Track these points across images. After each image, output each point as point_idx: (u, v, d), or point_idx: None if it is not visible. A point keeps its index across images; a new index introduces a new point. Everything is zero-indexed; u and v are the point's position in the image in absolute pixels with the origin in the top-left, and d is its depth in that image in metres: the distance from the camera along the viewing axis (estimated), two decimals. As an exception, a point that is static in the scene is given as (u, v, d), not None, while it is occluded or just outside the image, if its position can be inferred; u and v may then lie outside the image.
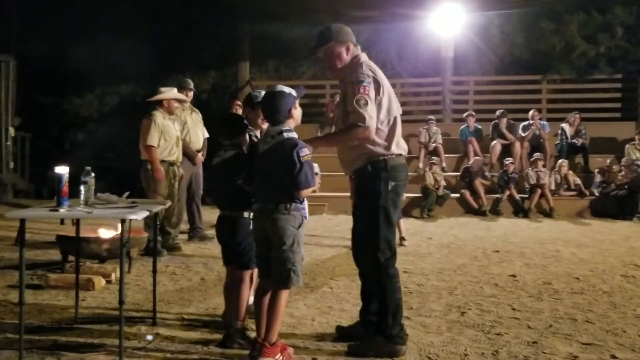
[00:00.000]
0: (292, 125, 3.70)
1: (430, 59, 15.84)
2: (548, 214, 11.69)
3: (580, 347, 4.03)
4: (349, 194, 9.10)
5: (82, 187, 3.95)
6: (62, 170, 3.78)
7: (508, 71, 16.46)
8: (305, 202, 3.76)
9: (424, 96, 16.40)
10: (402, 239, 7.87)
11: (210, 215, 8.61)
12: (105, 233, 6.37)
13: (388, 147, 3.85)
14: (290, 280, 3.58)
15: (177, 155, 7.30)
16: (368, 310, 4.09)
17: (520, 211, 11.80)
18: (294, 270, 3.57)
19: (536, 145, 13.09)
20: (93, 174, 4.01)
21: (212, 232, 7.89)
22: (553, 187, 12.05)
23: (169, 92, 7.31)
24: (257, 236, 3.72)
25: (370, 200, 3.88)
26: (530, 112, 13.34)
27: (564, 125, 13.26)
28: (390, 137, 3.86)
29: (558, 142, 13.25)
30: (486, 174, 12.41)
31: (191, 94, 8.11)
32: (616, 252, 7.85)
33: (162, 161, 7.07)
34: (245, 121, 4.12)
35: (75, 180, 3.85)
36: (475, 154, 12.94)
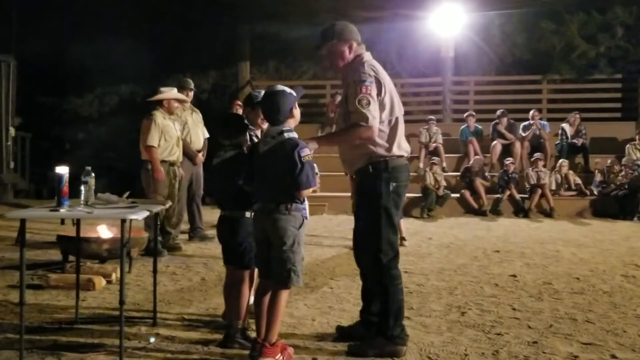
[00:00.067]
0: (293, 125, 3.70)
1: (431, 59, 15.85)
2: (548, 214, 11.69)
3: (581, 347, 4.03)
4: (349, 194, 9.10)
5: (82, 187, 3.95)
6: (63, 170, 3.78)
7: (508, 71, 16.47)
8: (306, 203, 3.75)
9: (424, 96, 16.41)
10: (402, 239, 7.86)
11: (210, 215, 8.62)
12: (105, 231, 6.38)
13: (389, 148, 3.83)
14: (291, 281, 3.58)
15: (177, 155, 7.30)
16: (369, 310, 4.09)
17: (520, 211, 11.80)
18: (294, 270, 3.57)
19: (536, 145, 13.09)
20: (93, 174, 4.01)
21: (212, 232, 7.91)
22: (554, 187, 12.06)
23: (169, 92, 7.31)
24: (257, 236, 3.72)
25: (372, 201, 3.86)
26: (531, 112, 13.34)
27: (565, 125, 13.26)
28: (391, 138, 3.84)
29: (558, 142, 13.25)
30: (486, 174, 12.40)
31: (191, 94, 8.11)
32: (616, 252, 7.85)
33: (163, 161, 7.07)
34: (246, 121, 4.12)
35: (75, 180, 3.85)
36: (476, 154, 12.94)
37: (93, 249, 6.14)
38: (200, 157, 7.97)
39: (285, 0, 14.44)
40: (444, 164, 13.06)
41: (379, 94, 3.78)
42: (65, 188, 3.75)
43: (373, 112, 3.72)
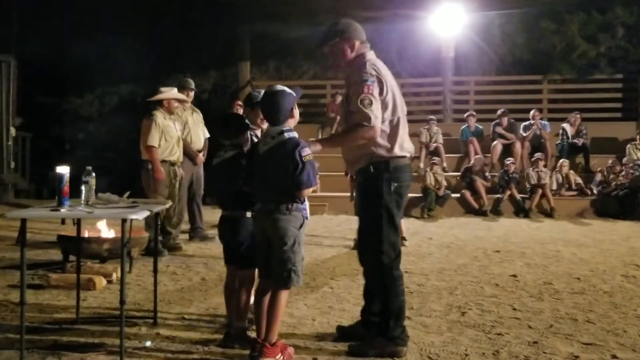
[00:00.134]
0: (292, 124, 3.70)
1: (431, 59, 15.85)
2: (549, 214, 11.68)
3: (581, 347, 4.03)
4: (349, 194, 9.06)
5: (83, 187, 3.95)
6: (63, 170, 3.78)
7: (509, 71, 16.47)
8: (307, 203, 3.75)
9: (425, 96, 16.40)
10: (402, 239, 7.85)
11: (211, 215, 8.61)
12: (105, 229, 6.39)
13: (391, 148, 3.82)
14: (291, 281, 3.57)
15: (177, 155, 7.30)
16: (370, 310, 4.09)
17: (521, 211, 11.80)
18: (294, 270, 3.57)
19: (537, 145, 13.09)
20: (94, 174, 4.01)
21: (212, 232, 7.93)
22: (555, 187, 12.06)
23: (169, 92, 7.31)
24: (257, 236, 3.72)
25: (373, 201, 3.86)
26: (531, 112, 13.34)
27: (565, 125, 13.26)
28: (393, 138, 3.82)
29: (559, 142, 13.25)
30: (487, 174, 12.40)
31: (192, 94, 8.11)
32: (617, 252, 7.84)
33: (163, 161, 7.07)
34: (247, 121, 4.11)
35: (76, 180, 3.85)
36: (476, 154, 12.93)
37: (93, 249, 6.15)
38: (201, 157, 7.97)
39: (285, 0, 14.44)
40: (445, 164, 13.05)
41: (380, 93, 3.76)
42: (66, 188, 3.75)
43: (375, 112, 3.71)
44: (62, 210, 3.73)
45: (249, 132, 4.01)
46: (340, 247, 8.03)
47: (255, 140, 3.96)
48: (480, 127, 13.80)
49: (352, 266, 6.68)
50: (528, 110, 13.62)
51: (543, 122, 13.50)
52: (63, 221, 7.26)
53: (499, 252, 7.70)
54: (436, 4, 14.29)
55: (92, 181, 3.98)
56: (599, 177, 12.22)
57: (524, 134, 13.12)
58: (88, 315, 4.61)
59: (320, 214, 11.46)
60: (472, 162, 12.55)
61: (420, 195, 11.71)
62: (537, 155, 12.39)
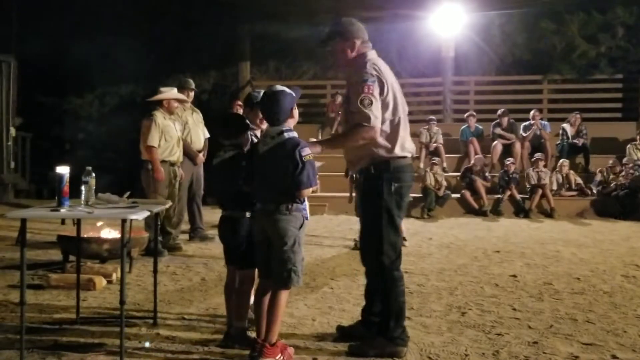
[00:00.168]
0: (292, 124, 3.70)
1: (431, 59, 15.84)
2: (549, 214, 11.68)
3: (581, 347, 4.03)
4: (348, 195, 9.04)
5: (82, 187, 3.95)
6: (63, 170, 3.78)
7: (509, 71, 16.46)
8: (307, 203, 3.75)
9: (425, 96, 16.40)
10: (403, 239, 7.85)
11: (211, 215, 8.61)
12: (106, 230, 6.39)
13: (392, 148, 3.81)
14: (291, 281, 3.57)
15: (177, 155, 7.30)
16: (370, 310, 4.08)
17: (521, 211, 11.80)
18: (294, 270, 3.57)
19: (537, 145, 13.09)
20: (94, 174, 4.01)
21: (212, 232, 7.93)
22: (555, 187, 12.06)
23: (169, 92, 7.31)
24: (257, 236, 3.71)
25: (373, 202, 3.85)
26: (531, 112, 13.34)
27: (565, 126, 13.26)
28: (394, 138, 3.81)
29: (559, 142, 13.25)
30: (487, 174, 12.40)
31: (192, 94, 8.11)
32: (617, 252, 7.84)
33: (163, 161, 7.07)
34: (247, 121, 4.11)
35: (76, 180, 3.85)
36: (476, 154, 12.93)
37: (93, 249, 6.15)
38: (201, 157, 7.97)
39: (285, 0, 14.43)
40: (445, 164, 13.05)
41: (381, 93, 3.75)
42: (66, 188, 3.76)
43: (375, 112, 3.70)
44: (62, 210, 3.73)
45: (249, 132, 4.01)
46: (340, 247, 8.03)
47: (255, 140, 3.96)
48: (481, 127, 13.80)
49: (352, 266, 6.68)
50: (528, 111, 13.62)
51: (543, 122, 13.50)
52: (63, 221, 7.26)
53: (499, 253, 7.70)
54: (436, 4, 14.29)
55: (92, 181, 3.98)
56: (598, 177, 12.23)
57: (524, 134, 13.12)
58: (88, 315, 4.61)
59: (320, 214, 11.46)
60: (472, 162, 12.55)
61: (420, 195, 11.71)
62: (537, 155, 12.39)
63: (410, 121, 4.21)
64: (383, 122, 3.78)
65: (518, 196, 11.91)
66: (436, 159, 12.38)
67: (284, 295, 3.61)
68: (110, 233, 6.39)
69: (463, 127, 13.82)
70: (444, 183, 11.96)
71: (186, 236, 8.19)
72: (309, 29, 14.81)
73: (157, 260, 4.65)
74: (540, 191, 11.76)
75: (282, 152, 3.56)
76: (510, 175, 12.02)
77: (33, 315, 4.54)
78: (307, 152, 3.54)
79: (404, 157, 3.87)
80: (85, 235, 6.02)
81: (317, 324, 4.47)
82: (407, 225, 8.84)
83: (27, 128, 14.44)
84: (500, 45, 16.24)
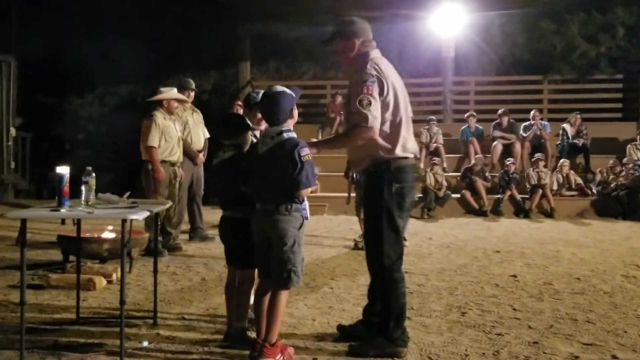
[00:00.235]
0: (291, 125, 3.70)
1: (431, 59, 15.83)
2: (549, 214, 11.68)
3: (581, 347, 4.03)
4: (347, 196, 9.02)
5: (83, 187, 3.95)
6: (63, 170, 3.78)
7: (509, 71, 16.45)
8: (306, 203, 3.75)
9: (425, 96, 16.39)
10: (403, 239, 7.86)
11: (211, 215, 8.62)
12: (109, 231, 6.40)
13: (392, 149, 3.79)
14: (291, 281, 3.57)
15: (177, 155, 7.30)
16: (371, 310, 4.08)
17: (521, 211, 11.80)
18: (294, 271, 3.57)
19: (537, 145, 13.09)
20: (94, 174, 4.01)
21: (212, 232, 7.93)
22: (555, 187, 12.05)
23: (169, 92, 7.31)
24: (257, 237, 3.71)
25: (374, 202, 3.85)
26: (532, 113, 13.33)
27: (565, 126, 13.26)
28: (395, 138, 3.79)
29: (559, 142, 13.25)
30: (487, 174, 12.40)
31: (192, 94, 8.11)
32: (617, 252, 7.84)
33: (163, 161, 7.07)
34: (247, 121, 4.11)
35: (76, 180, 3.85)
36: (476, 155, 12.94)
37: (93, 249, 6.15)
38: (201, 157, 7.97)
39: (285, 0, 14.43)
40: (445, 165, 13.05)
41: (381, 93, 3.73)
42: (66, 188, 3.75)
43: (374, 113, 3.69)
44: (62, 210, 3.73)
45: (250, 133, 4.01)
46: (340, 247, 8.03)
47: (254, 140, 3.96)
48: (481, 127, 13.79)
49: (352, 266, 6.68)
50: (528, 111, 13.61)
51: (543, 122, 13.50)
52: (63, 221, 7.25)
53: (499, 253, 7.70)
54: (436, 4, 14.28)
55: (92, 181, 3.98)
56: (598, 177, 12.23)
57: (524, 134, 13.12)
58: (88, 315, 4.61)
59: (320, 214, 11.46)
60: (473, 162, 12.55)
61: (421, 195, 11.71)
62: (537, 155, 12.39)
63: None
64: (383, 122, 3.76)
65: (518, 196, 11.91)
66: (436, 159, 12.37)
67: (283, 295, 3.61)
68: (113, 234, 6.39)
69: (463, 127, 13.82)
70: (444, 183, 11.95)
71: (186, 236, 8.19)
72: (309, 29, 14.79)
73: (157, 260, 4.65)
74: (540, 191, 11.76)
75: (281, 152, 3.56)
76: (511, 176, 12.02)
77: (33, 315, 4.54)
78: (306, 152, 3.54)
79: (406, 158, 3.84)
80: (86, 235, 6.02)
81: (317, 324, 4.47)
82: (408, 226, 8.83)
83: (27, 128, 14.43)
84: (500, 45, 16.23)
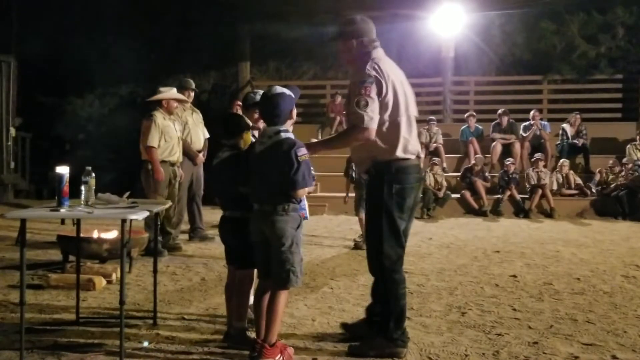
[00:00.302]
0: (289, 125, 3.70)
1: (431, 59, 15.83)
2: (549, 214, 11.68)
3: (581, 347, 4.03)
4: (344, 195, 9.01)
5: (82, 187, 3.95)
6: (63, 170, 3.78)
7: (509, 71, 16.45)
8: (306, 203, 3.75)
9: (425, 96, 16.37)
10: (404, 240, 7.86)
11: (210, 215, 8.62)
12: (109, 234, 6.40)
13: (392, 150, 3.76)
14: (290, 282, 3.57)
15: (177, 155, 7.30)
16: (374, 310, 4.06)
17: (520, 211, 11.80)
18: (293, 271, 3.56)
19: (537, 145, 13.09)
20: (93, 174, 4.01)
21: (212, 232, 7.93)
22: (555, 187, 12.05)
23: (168, 92, 7.31)
24: (255, 237, 3.71)
25: (374, 203, 3.84)
26: (531, 113, 13.33)
27: (565, 126, 13.26)
28: (394, 140, 3.76)
29: (559, 142, 13.25)
30: (487, 174, 12.40)
31: (192, 94, 8.11)
32: (617, 252, 7.84)
33: (163, 161, 7.07)
34: (248, 121, 4.12)
35: (75, 180, 3.85)
36: (476, 155, 12.93)
37: (93, 249, 6.15)
38: (201, 157, 7.97)
39: (285, 0, 14.43)
40: (445, 165, 13.05)
41: (379, 94, 3.71)
42: (66, 188, 3.75)
43: (370, 113, 3.67)
44: (62, 210, 3.73)
45: (250, 132, 4.02)
46: (340, 247, 8.03)
47: (253, 140, 3.96)
48: (480, 127, 13.79)
49: (352, 266, 6.68)
50: (528, 111, 13.61)
51: (543, 122, 13.50)
52: (63, 221, 7.25)
53: (498, 253, 7.69)
54: (436, 4, 14.28)
55: (92, 181, 3.98)
56: (598, 177, 12.23)
57: (524, 135, 13.12)
58: (88, 315, 4.61)
59: (320, 214, 11.46)
60: (473, 162, 12.55)
61: (421, 195, 11.69)
62: (537, 155, 12.39)
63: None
64: (382, 123, 3.74)
65: (518, 196, 11.91)
66: (436, 159, 12.37)
67: (283, 295, 3.61)
68: (114, 234, 6.40)
69: (463, 127, 13.82)
70: (444, 183, 11.95)
71: (186, 236, 8.19)
72: (309, 29, 14.80)
73: (157, 260, 4.65)
74: (540, 191, 11.76)
75: (278, 152, 3.55)
76: (510, 176, 12.01)
77: (33, 316, 4.54)
78: (302, 152, 3.54)
79: (407, 159, 3.81)
80: (86, 235, 6.03)
81: (317, 324, 4.47)
82: (410, 226, 8.83)
83: (27, 128, 14.43)
84: (500, 45, 16.22)
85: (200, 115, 8.19)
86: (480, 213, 11.75)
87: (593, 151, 13.10)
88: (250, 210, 3.77)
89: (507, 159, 12.42)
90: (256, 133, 4.14)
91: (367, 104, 3.66)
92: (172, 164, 7.23)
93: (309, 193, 3.81)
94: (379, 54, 3.88)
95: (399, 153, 3.77)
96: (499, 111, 13.46)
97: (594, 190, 12.05)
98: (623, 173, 11.98)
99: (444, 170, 12.63)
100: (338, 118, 14.27)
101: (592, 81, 15.41)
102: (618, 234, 9.54)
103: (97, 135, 15.77)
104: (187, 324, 4.45)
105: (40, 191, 14.75)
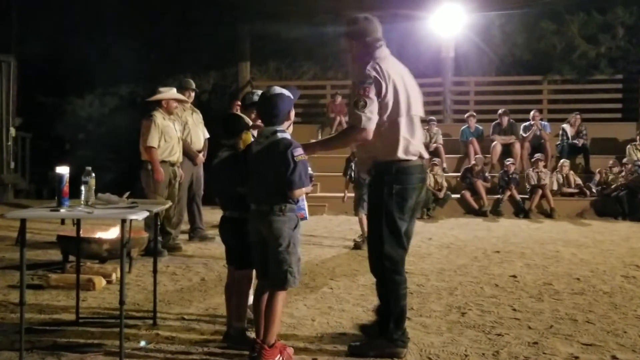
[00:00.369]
0: (286, 126, 3.70)
1: (431, 60, 15.82)
2: (549, 214, 11.68)
3: (581, 347, 4.03)
4: (349, 195, 9.03)
5: (82, 188, 3.95)
6: (63, 170, 3.78)
7: (509, 71, 16.45)
8: (305, 203, 3.75)
9: (425, 96, 16.21)
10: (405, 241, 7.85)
11: (210, 215, 8.62)
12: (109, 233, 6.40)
13: (392, 151, 3.74)
14: (287, 282, 3.57)
15: (177, 155, 7.30)
16: (380, 311, 4.06)
17: (520, 212, 11.80)
18: (290, 271, 3.56)
19: (537, 145, 13.09)
20: (93, 174, 4.00)
21: (212, 232, 7.93)
22: (555, 187, 12.05)
23: (168, 92, 7.31)
24: (253, 237, 3.70)
25: (375, 204, 3.84)
26: (531, 113, 13.33)
27: (565, 126, 13.26)
28: (393, 141, 3.74)
29: (559, 142, 13.25)
30: (487, 175, 12.40)
31: (192, 94, 8.10)
32: (617, 252, 7.84)
33: (163, 161, 7.07)
34: (248, 121, 4.12)
35: (76, 180, 3.84)
36: (476, 155, 12.93)
37: (93, 249, 6.15)
38: (201, 157, 7.97)
39: (285, 0, 14.43)
40: (445, 165, 13.05)
41: (379, 94, 3.69)
42: (66, 188, 3.75)
43: (368, 114, 3.66)
44: (62, 210, 3.73)
45: (250, 132, 4.02)
46: (340, 247, 8.03)
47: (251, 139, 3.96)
48: (481, 127, 13.79)
49: (352, 266, 6.68)
50: (528, 111, 13.61)
51: (543, 122, 13.50)
52: (63, 221, 7.25)
53: (498, 253, 7.69)
54: (436, 4, 14.28)
55: (92, 181, 3.98)
56: (597, 177, 12.23)
57: (524, 135, 13.12)
58: (88, 315, 4.61)
59: (320, 214, 11.46)
60: (473, 162, 12.55)
61: (423, 196, 11.68)
62: (537, 155, 12.39)
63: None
64: (382, 124, 3.72)
65: (518, 196, 11.91)
66: (436, 160, 12.36)
67: (281, 296, 3.60)
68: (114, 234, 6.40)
69: (463, 127, 13.82)
70: (444, 184, 11.95)
71: (186, 236, 8.19)
72: (309, 29, 14.80)
73: (156, 261, 4.65)
74: (540, 191, 11.76)
75: (274, 152, 3.55)
76: (510, 176, 12.01)
77: (33, 316, 4.54)
78: (299, 152, 3.53)
79: (408, 160, 3.77)
80: (86, 235, 6.02)
81: (317, 324, 4.47)
82: (413, 227, 8.83)
83: (27, 128, 14.43)
84: (500, 45, 16.22)
85: (200, 115, 8.19)
86: (480, 213, 11.75)
87: (593, 151, 13.10)
88: (249, 211, 3.78)
89: (507, 159, 12.42)
90: (255, 133, 4.14)
91: (365, 105, 3.66)
92: (172, 164, 7.23)
93: (307, 193, 3.81)
94: (382, 53, 3.85)
95: (400, 154, 3.75)
96: (499, 111, 13.46)
97: (594, 191, 12.05)
98: (623, 173, 11.98)
99: (444, 170, 12.63)
100: (338, 118, 14.27)
101: (592, 81, 15.41)
102: (618, 234, 9.54)
103: (97, 135, 15.77)
104: (187, 324, 4.45)
105: (40, 191, 14.75)
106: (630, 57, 15.36)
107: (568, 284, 5.94)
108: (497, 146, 13.14)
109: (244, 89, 15.21)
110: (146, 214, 3.76)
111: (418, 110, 3.87)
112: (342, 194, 8.89)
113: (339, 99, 14.35)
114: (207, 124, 8.25)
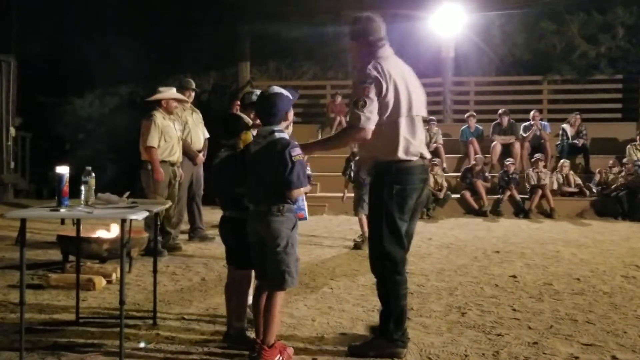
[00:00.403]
0: (284, 126, 3.70)
1: (431, 60, 15.81)
2: (549, 214, 11.68)
3: (581, 347, 4.03)
4: (349, 195, 9.04)
5: (82, 187, 3.95)
6: (63, 170, 3.78)
7: (509, 71, 16.45)
8: (305, 203, 3.74)
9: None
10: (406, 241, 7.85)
11: (210, 215, 8.62)
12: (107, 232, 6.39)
13: (392, 152, 3.73)
14: (285, 282, 3.56)
15: (177, 155, 7.30)
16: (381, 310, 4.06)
17: (520, 212, 11.79)
18: (288, 272, 3.55)
19: (537, 145, 13.09)
20: (93, 174, 4.00)
21: (212, 232, 7.93)
22: (555, 187, 12.05)
23: (168, 92, 7.30)
24: (251, 237, 3.70)
25: (375, 204, 3.83)
26: (531, 113, 13.33)
27: (565, 126, 13.26)
28: (393, 141, 3.72)
29: (559, 142, 13.25)
30: (487, 175, 12.40)
31: (193, 94, 8.11)
32: (617, 252, 7.84)
33: (163, 161, 7.07)
34: (247, 121, 4.12)
35: (76, 180, 3.85)
36: (476, 155, 12.94)
37: (93, 249, 6.15)
38: (201, 157, 7.97)
39: (285, 0, 14.43)
40: (445, 165, 13.05)
41: (379, 94, 3.68)
42: (66, 188, 3.75)
43: (367, 114, 3.65)
44: (62, 210, 3.73)
45: (250, 132, 4.02)
46: (340, 247, 8.03)
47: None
48: (481, 127, 13.79)
49: (352, 266, 6.68)
50: (528, 111, 13.61)
51: (543, 122, 13.50)
52: (63, 221, 7.25)
53: (498, 253, 7.69)
54: (436, 4, 14.28)
55: (92, 181, 3.98)
56: (597, 177, 12.24)
57: (524, 135, 13.12)
58: (88, 315, 4.61)
59: (320, 214, 11.45)
60: (473, 162, 12.55)
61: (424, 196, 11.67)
62: (537, 155, 12.38)
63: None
64: (382, 124, 3.72)
65: (518, 196, 11.91)
66: (436, 160, 12.35)
67: (279, 296, 3.60)
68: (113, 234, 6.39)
69: (463, 127, 13.82)
70: (445, 184, 11.94)
71: (186, 236, 8.19)
72: (309, 29, 14.80)
73: (156, 260, 4.65)
74: (540, 191, 11.76)
75: (272, 152, 3.54)
76: (510, 176, 12.01)
77: (32, 316, 4.54)
78: (297, 152, 3.53)
79: (408, 161, 3.76)
80: (86, 235, 6.02)
81: (317, 324, 4.46)
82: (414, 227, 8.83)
83: (27, 128, 14.43)
84: (500, 45, 16.22)
85: (200, 115, 8.19)
86: (480, 213, 11.75)
87: (593, 151, 13.10)
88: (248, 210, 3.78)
89: (507, 159, 12.42)
90: (254, 132, 4.14)
91: (365, 104, 3.66)
92: (172, 164, 7.23)
93: (307, 193, 3.80)
94: (384, 52, 3.83)
95: (400, 154, 3.74)
96: (500, 111, 13.46)
97: (594, 191, 12.06)
98: (623, 173, 11.98)
99: (444, 170, 12.63)
100: (338, 118, 14.27)
101: (592, 81, 15.41)
102: (618, 234, 9.54)
103: (97, 135, 15.78)
104: (187, 324, 4.45)
105: (40, 191, 14.76)
106: (630, 57, 15.36)
107: (568, 284, 5.94)
108: (497, 146, 13.14)
109: (243, 89, 15.20)
110: (146, 214, 3.76)
111: (420, 111, 3.85)
112: (342, 194, 8.88)
113: (339, 99, 14.35)
114: (207, 124, 8.24)
